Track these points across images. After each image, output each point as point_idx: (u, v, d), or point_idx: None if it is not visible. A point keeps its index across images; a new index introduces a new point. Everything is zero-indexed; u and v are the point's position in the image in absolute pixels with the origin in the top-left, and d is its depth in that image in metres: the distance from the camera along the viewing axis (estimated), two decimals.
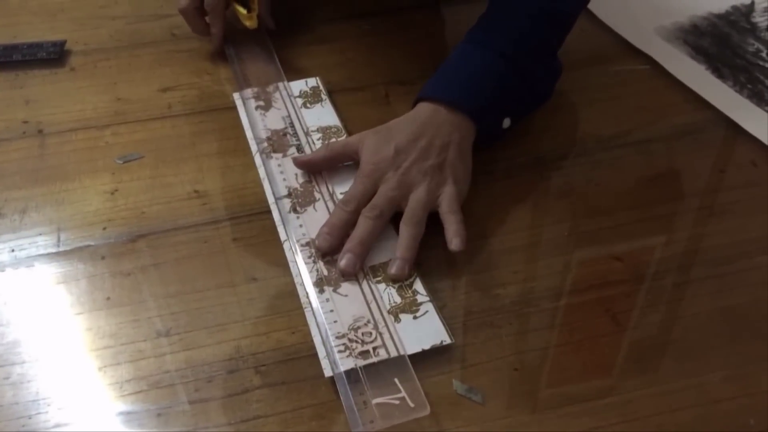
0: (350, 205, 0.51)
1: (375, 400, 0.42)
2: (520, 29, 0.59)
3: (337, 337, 0.45)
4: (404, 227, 0.51)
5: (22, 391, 0.44)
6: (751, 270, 0.51)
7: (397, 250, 0.50)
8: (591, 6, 0.77)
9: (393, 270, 0.49)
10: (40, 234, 0.53)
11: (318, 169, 0.57)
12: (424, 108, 0.56)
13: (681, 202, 0.56)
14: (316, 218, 0.53)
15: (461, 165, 0.54)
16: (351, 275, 0.49)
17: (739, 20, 0.76)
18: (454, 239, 0.50)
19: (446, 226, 0.51)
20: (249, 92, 0.65)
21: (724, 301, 0.49)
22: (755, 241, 0.53)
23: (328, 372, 0.44)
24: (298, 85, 0.66)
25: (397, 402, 0.42)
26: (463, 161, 0.55)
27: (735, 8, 0.78)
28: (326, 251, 0.50)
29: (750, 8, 0.78)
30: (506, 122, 0.58)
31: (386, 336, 0.45)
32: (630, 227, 0.54)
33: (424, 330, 0.46)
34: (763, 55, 0.71)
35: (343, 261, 0.49)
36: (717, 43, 0.73)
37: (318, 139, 0.60)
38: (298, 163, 0.57)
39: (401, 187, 0.52)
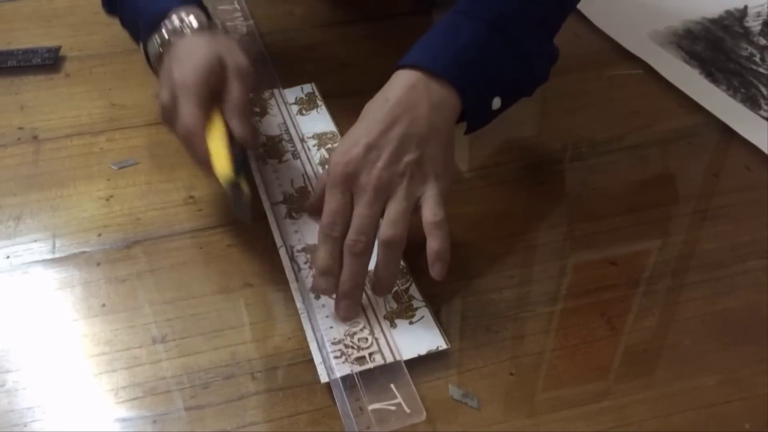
0: (335, 229, 0.46)
1: (371, 406, 0.42)
2: (513, 1, 0.52)
3: (333, 343, 0.45)
4: (382, 248, 0.46)
5: (18, 398, 0.43)
6: (745, 274, 0.51)
7: (375, 272, 0.46)
8: (585, 11, 0.77)
9: (373, 291, 0.47)
10: (35, 240, 0.53)
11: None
12: (403, 78, 0.49)
13: (675, 207, 0.56)
14: (312, 224, 0.53)
15: (443, 156, 0.48)
16: (354, 319, 0.47)
17: (733, 25, 0.77)
18: (435, 264, 0.46)
19: (429, 241, 0.46)
20: None
21: (718, 305, 0.49)
22: (749, 245, 0.53)
23: (324, 378, 0.44)
24: (294, 92, 0.66)
25: (393, 408, 0.42)
26: (445, 151, 0.49)
27: (728, 13, 0.78)
28: (333, 291, 0.47)
29: (743, 13, 0.78)
30: (496, 102, 0.52)
31: (382, 341, 0.45)
32: (625, 231, 0.54)
33: (420, 335, 0.46)
34: (757, 59, 0.71)
35: (342, 310, 0.46)
36: (710, 47, 0.73)
37: (314, 146, 0.60)
38: (310, 210, 0.54)
39: (378, 197, 0.46)
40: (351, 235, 0.46)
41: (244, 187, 0.49)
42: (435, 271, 0.46)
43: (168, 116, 0.52)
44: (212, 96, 0.51)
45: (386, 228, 0.46)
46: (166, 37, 0.54)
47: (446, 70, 0.49)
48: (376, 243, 0.47)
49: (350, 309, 0.46)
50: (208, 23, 0.55)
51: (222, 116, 0.52)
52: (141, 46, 0.58)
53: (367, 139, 0.47)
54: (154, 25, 0.54)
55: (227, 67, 0.52)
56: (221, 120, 0.52)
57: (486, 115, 0.53)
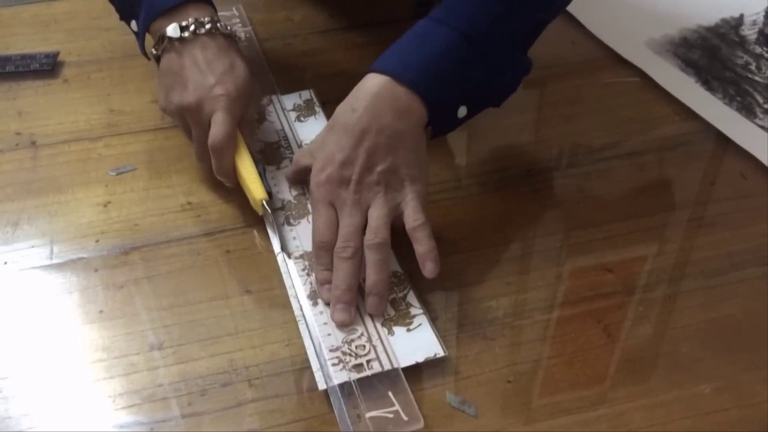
0: (326, 243, 0.49)
1: (369, 414, 0.42)
2: (489, 13, 0.52)
3: (330, 350, 0.45)
4: (368, 252, 0.48)
5: (14, 405, 0.43)
6: (741, 281, 0.51)
7: (367, 281, 0.48)
8: (581, 18, 0.78)
9: (369, 309, 0.47)
10: (33, 246, 0.53)
11: (296, 183, 0.57)
12: (370, 84, 0.51)
13: (671, 214, 0.57)
14: (310, 230, 0.53)
15: (415, 159, 0.50)
16: (349, 324, 0.47)
17: (729, 33, 0.77)
18: (427, 264, 0.48)
19: (415, 245, 0.48)
20: None
21: (714, 313, 0.49)
22: (745, 252, 0.53)
23: (321, 385, 0.44)
24: (292, 99, 0.66)
25: (390, 415, 0.42)
26: (416, 154, 0.50)
27: (724, 21, 0.79)
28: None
29: (739, 21, 0.79)
30: (462, 111, 0.53)
31: (380, 349, 0.45)
32: (621, 239, 0.54)
33: (417, 343, 0.46)
34: (752, 67, 0.72)
35: (337, 314, 0.47)
36: (706, 55, 0.73)
37: None
38: (289, 182, 0.57)
39: (360, 208, 0.49)
40: (339, 243, 0.49)
41: (274, 203, 0.55)
42: (427, 270, 0.48)
43: (186, 117, 0.55)
44: None
45: (369, 235, 0.48)
46: (180, 34, 0.55)
47: (412, 79, 0.50)
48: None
49: (345, 312, 0.47)
50: (223, 26, 0.57)
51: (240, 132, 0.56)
52: (136, 26, 0.59)
53: (340, 156, 0.50)
54: (164, 15, 0.56)
55: None
56: (240, 136, 0.56)
57: (451, 122, 0.54)
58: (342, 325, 0.47)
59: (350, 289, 0.47)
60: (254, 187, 0.54)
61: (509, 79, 0.56)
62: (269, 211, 0.53)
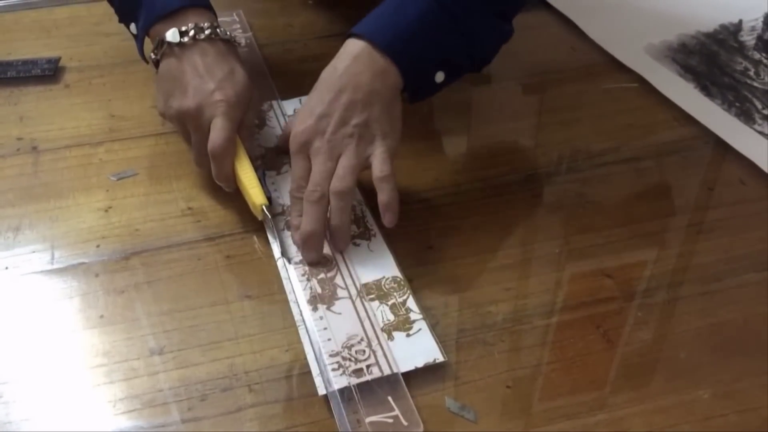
0: (300, 191, 0.52)
1: (368, 419, 0.42)
2: None
3: (330, 355, 0.45)
4: (332, 198, 0.51)
5: (15, 409, 0.43)
6: (740, 287, 0.51)
7: (330, 223, 0.51)
8: (581, 24, 0.78)
9: (331, 245, 0.52)
10: (34, 251, 0.53)
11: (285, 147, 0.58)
12: (350, 47, 0.55)
13: (670, 220, 0.57)
14: None
15: (387, 117, 0.53)
16: (317, 261, 0.51)
17: (727, 39, 0.77)
18: (386, 214, 0.51)
19: (379, 195, 0.51)
20: None
21: (713, 318, 0.49)
22: (743, 258, 0.53)
23: (321, 390, 0.44)
24: (292, 104, 0.66)
25: (390, 420, 0.42)
26: (390, 113, 0.53)
27: (723, 27, 0.79)
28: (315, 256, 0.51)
29: (738, 27, 0.79)
30: (439, 76, 0.56)
31: (379, 354, 0.46)
32: (620, 244, 0.54)
33: (417, 348, 0.46)
34: (751, 73, 0.72)
35: (305, 255, 0.51)
36: (705, 61, 0.74)
37: None
38: (279, 151, 0.60)
39: (332, 155, 0.52)
40: (309, 187, 0.52)
41: (274, 208, 0.56)
42: (386, 220, 0.52)
43: (186, 122, 0.56)
44: None
45: (335, 181, 0.51)
46: (180, 39, 0.56)
47: (387, 44, 0.54)
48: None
49: (312, 252, 0.51)
50: (223, 32, 0.58)
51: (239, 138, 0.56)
52: (135, 29, 0.60)
53: (318, 109, 0.53)
54: (164, 20, 0.57)
55: None
56: (240, 141, 0.56)
57: (428, 87, 0.57)
58: (311, 263, 0.51)
59: (316, 232, 0.51)
60: (254, 192, 0.54)
61: (486, 46, 0.59)
62: (269, 216, 0.53)
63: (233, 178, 0.55)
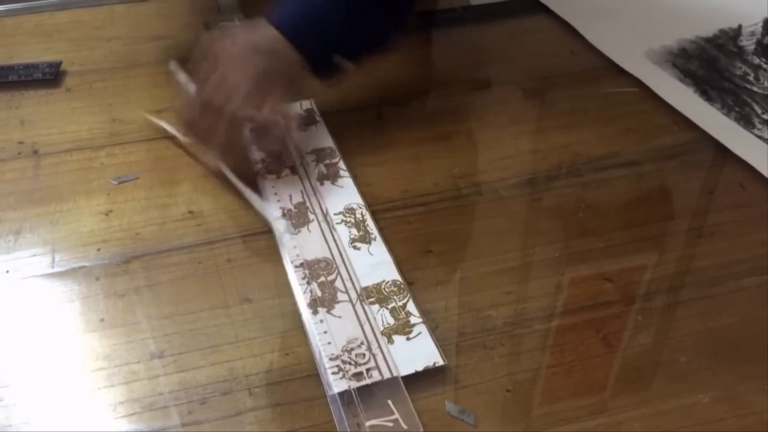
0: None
1: (368, 422, 0.42)
2: None
3: (330, 359, 0.45)
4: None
5: (15, 413, 0.43)
6: (740, 291, 0.51)
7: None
8: (580, 29, 0.78)
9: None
10: (35, 255, 0.53)
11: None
12: (259, 24, 0.59)
13: (670, 224, 0.57)
14: (310, 239, 0.53)
15: (278, 89, 0.57)
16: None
17: (727, 44, 0.77)
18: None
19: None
20: None
21: (713, 322, 0.49)
22: (743, 262, 0.53)
23: (321, 394, 0.44)
24: (293, 108, 0.66)
25: (390, 424, 0.42)
26: (279, 85, 0.58)
27: (722, 32, 0.79)
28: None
29: (737, 32, 0.79)
30: (338, 58, 0.61)
31: (380, 357, 0.46)
32: (620, 248, 0.54)
33: (417, 351, 0.46)
34: (750, 78, 0.72)
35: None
36: (705, 66, 0.74)
37: (312, 161, 0.61)
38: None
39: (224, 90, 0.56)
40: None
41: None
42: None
43: (243, 98, 0.58)
44: None
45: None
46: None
47: (282, 22, 0.58)
48: None
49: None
50: None
51: None
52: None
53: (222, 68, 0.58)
54: None
55: None
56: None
57: (329, 67, 0.61)
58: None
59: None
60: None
61: (379, 32, 0.63)
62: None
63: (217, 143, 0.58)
